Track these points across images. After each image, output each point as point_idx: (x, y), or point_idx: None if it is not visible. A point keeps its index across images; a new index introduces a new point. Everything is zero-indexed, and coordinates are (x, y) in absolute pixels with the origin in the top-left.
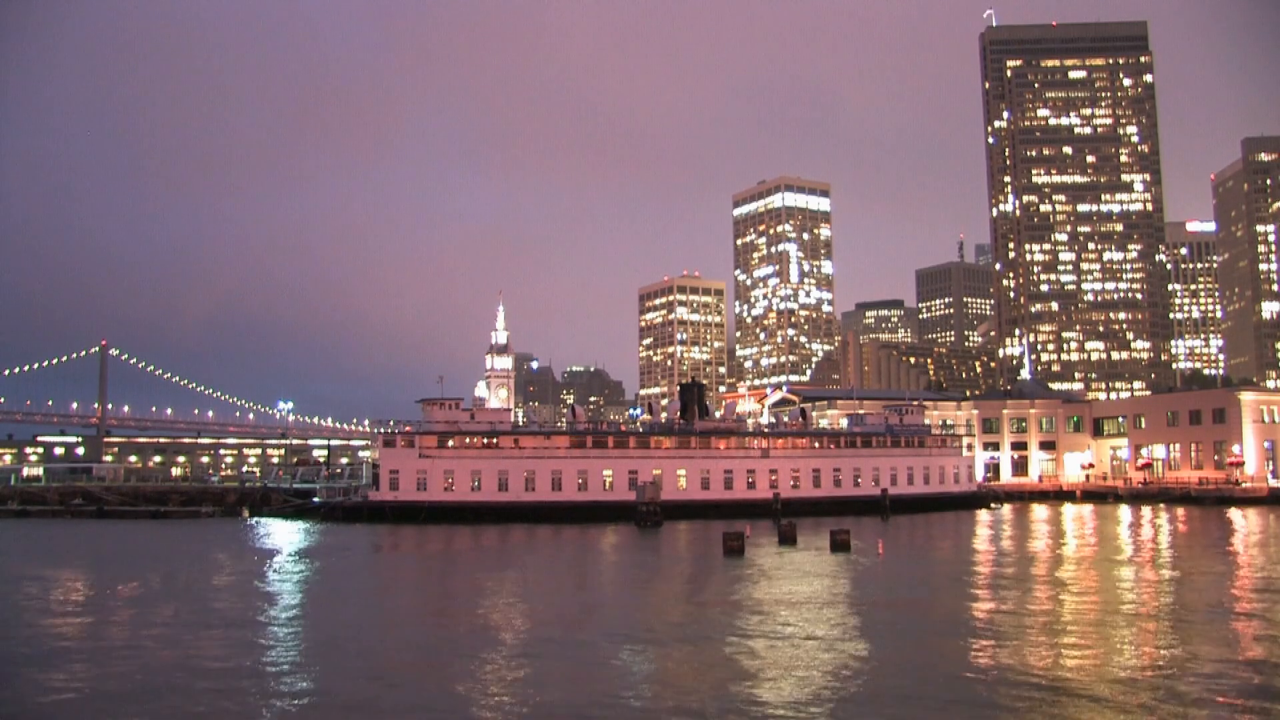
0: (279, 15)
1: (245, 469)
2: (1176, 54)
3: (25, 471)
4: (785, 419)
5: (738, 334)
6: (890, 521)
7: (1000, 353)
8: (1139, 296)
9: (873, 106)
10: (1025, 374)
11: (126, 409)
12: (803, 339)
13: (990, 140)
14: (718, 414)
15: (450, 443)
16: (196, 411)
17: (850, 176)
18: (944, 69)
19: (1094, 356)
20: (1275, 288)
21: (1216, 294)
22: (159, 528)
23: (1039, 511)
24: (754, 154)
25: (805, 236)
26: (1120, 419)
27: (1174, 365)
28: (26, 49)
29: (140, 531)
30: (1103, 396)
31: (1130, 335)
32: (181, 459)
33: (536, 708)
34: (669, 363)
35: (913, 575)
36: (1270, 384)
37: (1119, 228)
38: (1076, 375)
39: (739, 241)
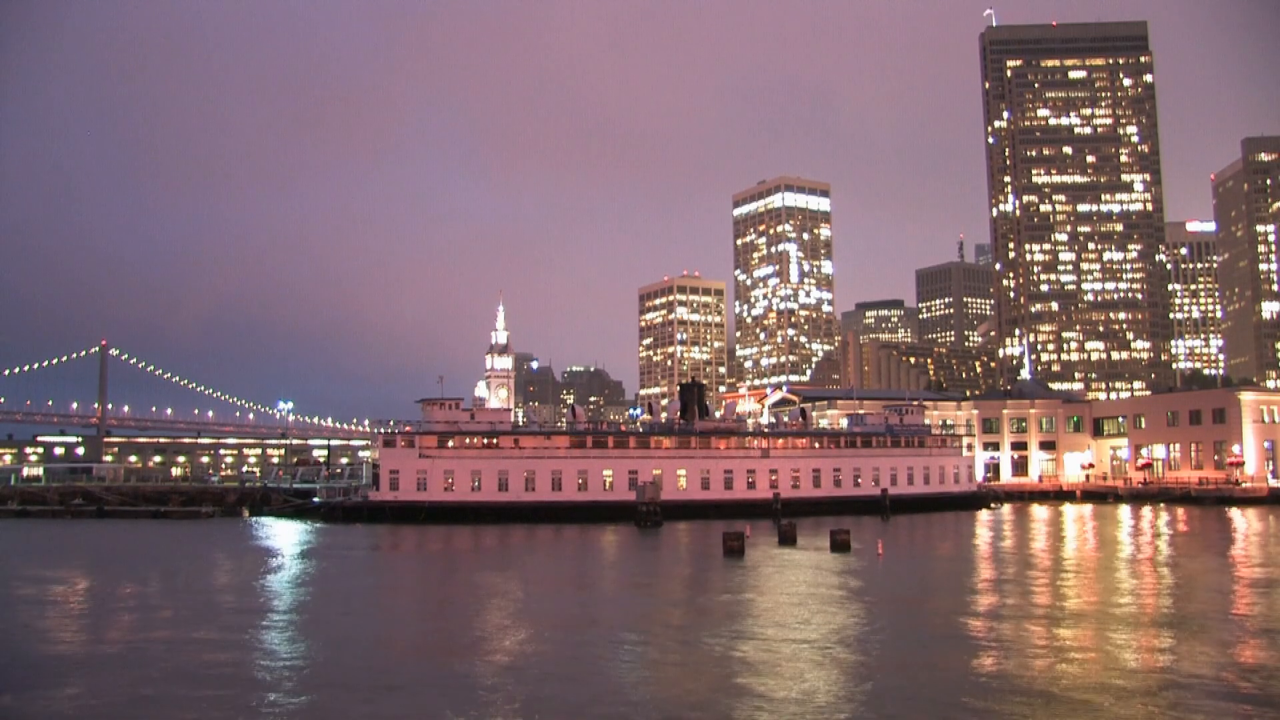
0: (279, 16)
1: (245, 469)
2: (1176, 54)
3: (25, 471)
4: (785, 419)
5: (738, 334)
6: (890, 521)
7: (1000, 353)
8: (1139, 296)
9: (873, 106)
10: (1025, 374)
11: (126, 409)
12: (803, 339)
13: (990, 140)
14: (718, 414)
15: (450, 443)
16: (196, 411)
17: (850, 176)
18: (944, 69)
19: (1094, 356)
20: (1275, 288)
21: (1216, 294)
22: (159, 528)
23: (1039, 512)
24: (754, 154)
25: (805, 236)
26: (1120, 419)
27: (1174, 365)
28: (27, 49)
29: (140, 531)
30: (1103, 396)
31: (1130, 335)
32: (181, 459)
33: (536, 709)
34: (669, 363)
35: (913, 576)
36: (1270, 384)
37: (1119, 228)
38: (1076, 375)
39: (739, 241)
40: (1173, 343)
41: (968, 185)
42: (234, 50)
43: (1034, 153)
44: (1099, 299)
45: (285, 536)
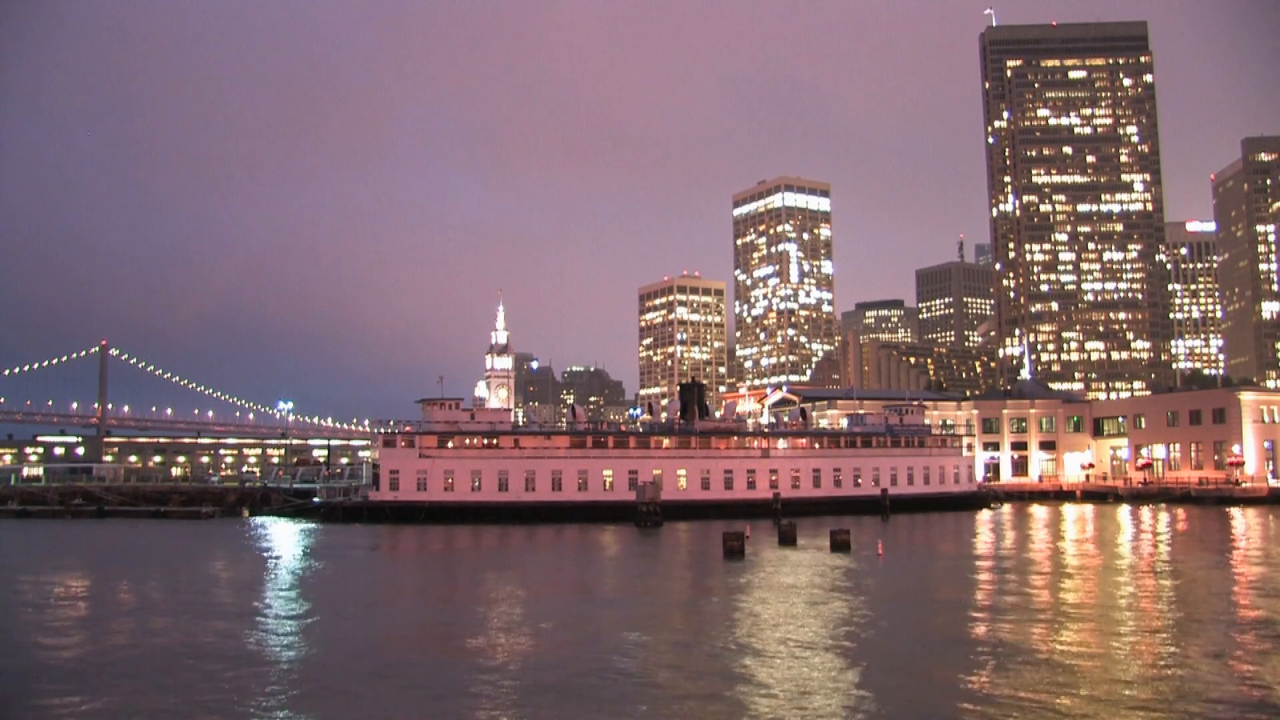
0: (278, 16)
1: (245, 469)
2: (1176, 54)
3: (25, 471)
4: (785, 419)
5: (738, 334)
6: (890, 521)
7: (1000, 353)
8: (1139, 296)
9: (873, 106)
10: (1025, 374)
11: (126, 409)
12: (803, 339)
13: (990, 140)
14: (718, 414)
15: (450, 443)
16: (196, 411)
17: (850, 176)
18: (944, 69)
19: (1094, 356)
20: (1275, 288)
21: (1216, 294)
22: (159, 528)
23: (1039, 512)
24: (754, 154)
25: (805, 236)
26: (1120, 419)
27: (1174, 365)
28: (26, 50)
29: (140, 531)
30: (1103, 396)
31: (1130, 335)
32: (181, 459)
33: (536, 709)
34: (669, 363)
35: (914, 578)
36: (1270, 384)
37: (1119, 228)
38: (1076, 375)
39: (739, 241)
40: (1173, 343)
41: (968, 185)
42: (234, 50)
43: (1034, 153)
44: (1099, 299)
45: (285, 537)
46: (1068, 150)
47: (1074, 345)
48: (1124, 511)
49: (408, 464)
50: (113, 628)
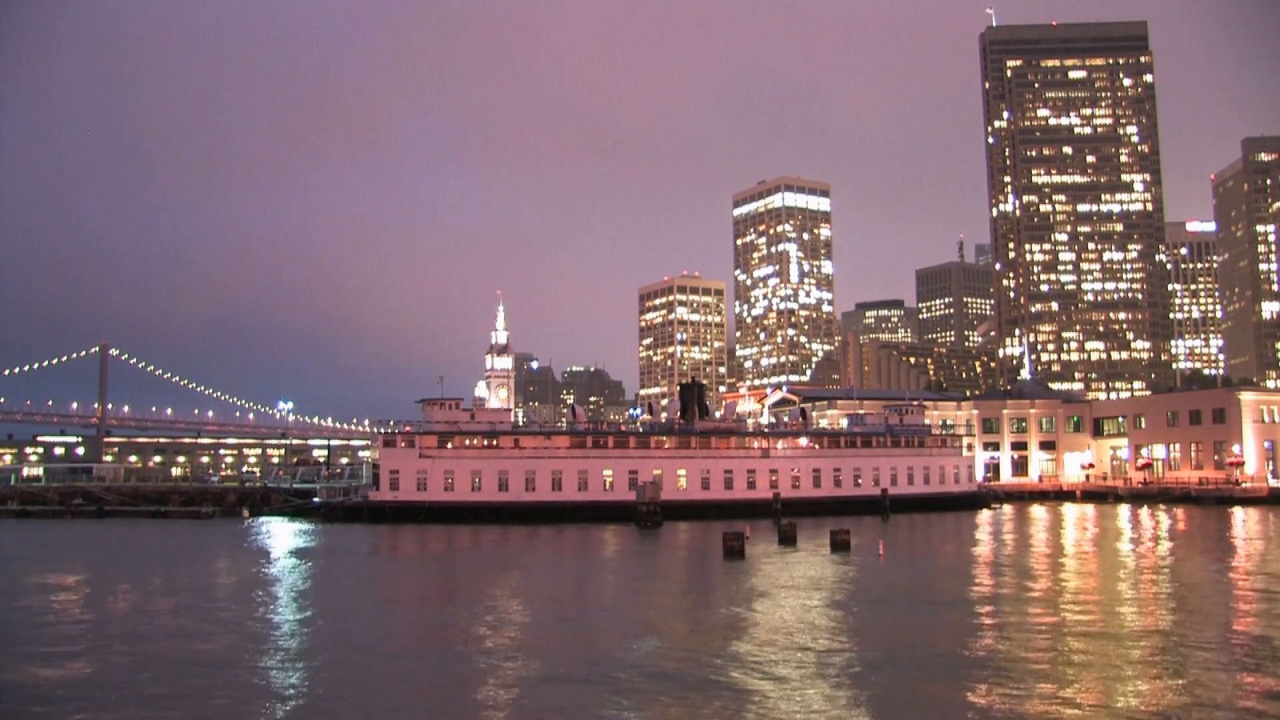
0: (278, 17)
1: (245, 469)
2: (1176, 54)
3: (25, 471)
4: (785, 419)
5: (738, 334)
6: (890, 521)
7: (1000, 353)
8: (1139, 296)
9: (873, 106)
10: (1025, 374)
11: (126, 409)
12: (803, 339)
13: (990, 140)
14: (718, 414)
15: (450, 443)
16: (196, 411)
17: (850, 176)
18: (944, 69)
19: (1094, 356)
20: (1275, 288)
21: (1216, 294)
22: (159, 528)
23: (1039, 512)
24: (754, 154)
25: (805, 236)
26: (1120, 419)
27: (1174, 365)
28: (27, 49)
29: (140, 531)
30: (1103, 396)
31: (1130, 335)
32: (181, 459)
33: (534, 710)
34: (669, 363)
35: (914, 579)
36: (1270, 384)
37: (1119, 228)
38: (1076, 375)
39: (739, 241)
40: (1173, 343)
41: (968, 185)
42: (233, 51)
43: (1034, 153)
44: (1099, 299)
45: (285, 537)
46: (1068, 150)
47: (1074, 345)
48: (1124, 512)
49: (408, 464)
50: (113, 632)
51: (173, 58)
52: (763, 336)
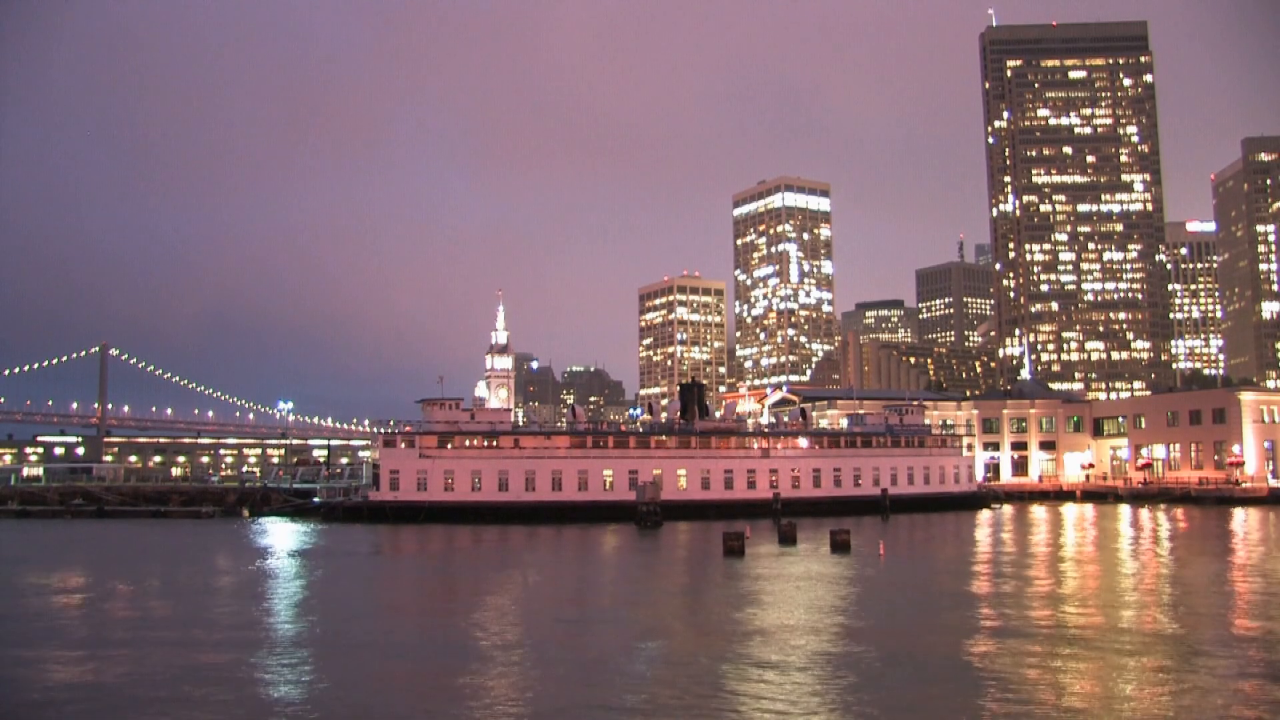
0: (277, 16)
1: (245, 469)
2: (1176, 54)
3: (25, 471)
4: (785, 419)
5: (738, 334)
6: (890, 521)
7: (1000, 353)
8: (1139, 296)
9: (872, 106)
10: (1025, 374)
11: (126, 409)
12: (803, 339)
13: (990, 140)
14: (718, 414)
15: (450, 443)
16: (196, 411)
17: (850, 176)
18: (944, 69)
19: (1094, 356)
20: (1275, 288)
21: (1216, 294)
22: (159, 528)
23: (1039, 512)
24: (754, 154)
25: (805, 236)
26: (1120, 419)
27: (1174, 365)
28: (27, 49)
29: (140, 532)
30: (1103, 396)
31: (1130, 335)
32: (181, 459)
33: (535, 710)
34: (669, 363)
35: (915, 580)
36: (1270, 384)
37: (1119, 228)
38: (1076, 375)
39: (739, 241)
40: (1173, 343)
41: (968, 185)
42: (233, 51)
43: (1034, 153)
44: (1099, 299)
45: (285, 537)
46: (1068, 150)
47: (1074, 345)
48: (1124, 512)
49: (408, 464)
50: (113, 633)
51: (173, 58)
52: (763, 336)
